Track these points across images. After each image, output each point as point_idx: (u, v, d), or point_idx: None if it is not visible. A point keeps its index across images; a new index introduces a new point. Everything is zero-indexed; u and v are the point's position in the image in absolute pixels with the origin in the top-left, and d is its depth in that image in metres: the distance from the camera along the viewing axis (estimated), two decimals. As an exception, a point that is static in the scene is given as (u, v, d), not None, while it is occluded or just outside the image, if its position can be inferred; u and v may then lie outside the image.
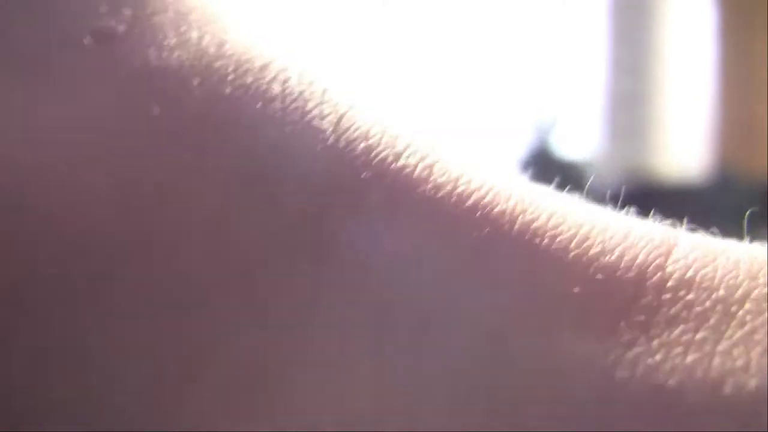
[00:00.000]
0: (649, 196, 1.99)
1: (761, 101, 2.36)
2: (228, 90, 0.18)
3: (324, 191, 0.17)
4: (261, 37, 0.19)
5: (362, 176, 0.17)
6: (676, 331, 0.16)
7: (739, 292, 0.16)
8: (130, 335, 0.17)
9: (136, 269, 0.17)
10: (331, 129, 0.18)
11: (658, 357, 0.16)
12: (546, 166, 1.97)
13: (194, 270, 0.17)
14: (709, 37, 2.49)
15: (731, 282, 0.17)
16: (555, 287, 0.17)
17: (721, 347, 0.16)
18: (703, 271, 0.17)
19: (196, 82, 0.18)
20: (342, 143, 0.18)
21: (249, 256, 0.17)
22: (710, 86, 2.51)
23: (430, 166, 0.18)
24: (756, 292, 0.16)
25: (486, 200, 0.17)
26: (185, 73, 0.18)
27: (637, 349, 0.16)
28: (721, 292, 0.17)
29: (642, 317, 0.16)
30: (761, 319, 0.16)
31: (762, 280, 0.17)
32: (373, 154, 0.18)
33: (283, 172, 0.17)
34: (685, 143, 2.53)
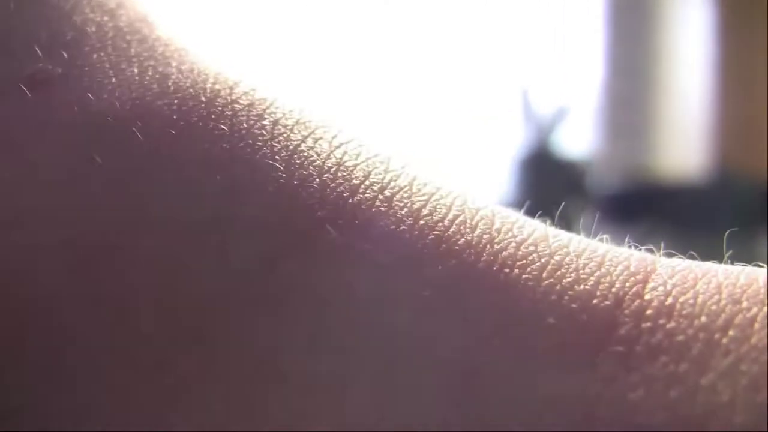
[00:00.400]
0: (649, 196, 1.99)
1: (761, 101, 2.36)
2: (172, 132, 0.17)
3: (277, 234, 0.16)
4: (206, 65, 0.18)
5: (317, 215, 0.17)
6: (658, 363, 0.15)
7: (722, 318, 0.16)
8: (89, 399, 0.16)
9: (91, 331, 0.16)
10: (283, 167, 0.17)
11: (640, 392, 0.15)
12: (545, 166, 1.97)
13: (148, 329, 0.16)
14: (709, 37, 2.49)
15: (713, 308, 0.16)
16: (528, 319, 0.16)
17: (704, 381, 0.15)
18: (683, 298, 0.16)
19: (138, 125, 0.17)
20: (295, 181, 0.17)
21: (203, 311, 0.16)
22: (710, 86, 2.51)
23: (390, 199, 0.17)
24: (739, 317, 0.16)
25: (450, 232, 0.17)
26: (127, 117, 0.17)
27: (617, 385, 0.15)
28: (703, 319, 0.16)
29: (621, 348, 0.16)
30: (746, 347, 0.15)
31: (745, 304, 0.16)
32: (328, 190, 0.17)
33: (232, 216, 0.16)
34: (685, 143, 2.53)
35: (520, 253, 0.17)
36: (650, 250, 0.18)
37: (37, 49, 0.17)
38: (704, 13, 2.50)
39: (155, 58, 0.18)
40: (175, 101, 0.17)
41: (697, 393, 0.15)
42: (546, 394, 0.15)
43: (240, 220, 0.17)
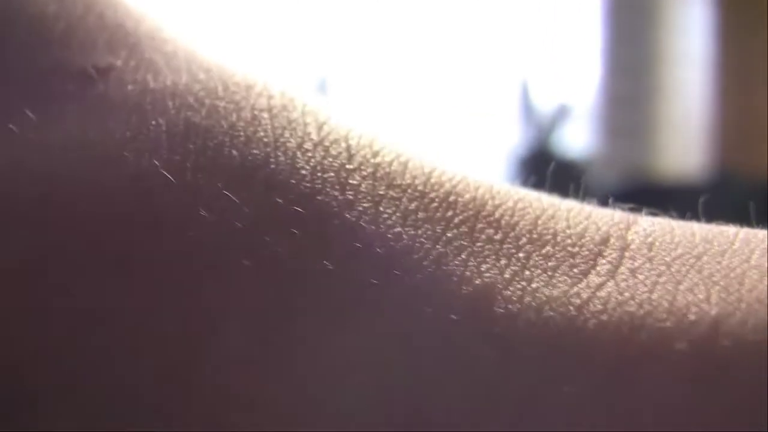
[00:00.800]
0: (649, 196, 1.99)
1: (761, 101, 2.36)
2: (221, 104, 0.21)
3: (314, 177, 0.20)
4: (237, 65, 0.22)
5: (347, 166, 0.20)
6: (641, 276, 0.18)
7: (697, 250, 0.19)
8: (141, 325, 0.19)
9: (145, 247, 0.19)
10: (315, 132, 0.21)
11: (626, 294, 0.18)
12: (545, 166, 1.97)
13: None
14: (709, 37, 2.49)
15: (688, 245, 0.19)
16: (526, 248, 0.19)
17: (683, 286, 0.18)
18: (661, 238, 0.19)
19: (192, 99, 0.21)
20: (326, 142, 0.21)
21: (254, 240, 0.20)
22: (710, 86, 2.51)
23: (405, 162, 0.21)
24: (713, 250, 0.19)
25: (457, 189, 0.20)
26: (183, 92, 0.21)
27: (606, 289, 0.18)
28: (679, 250, 0.19)
29: (607, 267, 0.19)
30: (719, 267, 0.18)
31: (716, 243, 0.19)
32: (353, 150, 0.21)
33: (277, 166, 0.20)
34: (685, 143, 2.53)
35: (518, 206, 0.20)
36: None
37: (100, 46, 0.22)
38: (705, 13, 2.50)
39: (197, 60, 0.22)
40: (220, 85, 0.22)
41: (677, 294, 0.18)
42: (545, 296, 0.18)
43: (282, 166, 0.20)
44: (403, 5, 2.44)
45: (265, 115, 0.21)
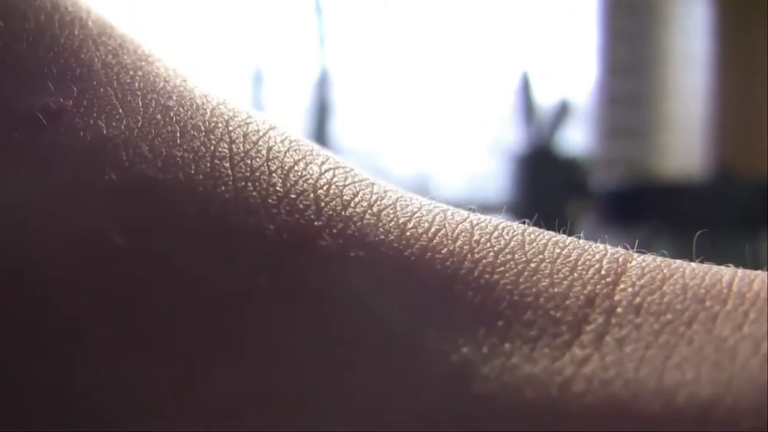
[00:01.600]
0: (649, 196, 1.99)
1: (761, 101, 2.36)
2: (178, 153, 0.19)
3: (279, 239, 0.19)
4: (204, 100, 0.21)
5: (314, 224, 0.19)
6: (627, 349, 0.17)
7: (686, 315, 0.17)
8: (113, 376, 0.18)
9: (105, 315, 0.18)
10: (280, 182, 0.19)
11: (611, 372, 0.17)
12: (546, 165, 1.97)
13: (164, 318, 0.18)
14: (710, 37, 2.49)
15: (678, 307, 0.18)
16: (506, 315, 0.18)
17: (671, 362, 0.17)
18: (650, 298, 0.18)
19: (146, 147, 0.19)
20: (293, 195, 0.19)
21: (215, 303, 0.18)
22: (710, 86, 2.51)
23: (377, 214, 0.19)
24: (703, 314, 0.17)
25: (434, 243, 0.19)
26: (137, 138, 0.19)
27: (591, 366, 0.17)
28: (669, 315, 0.17)
29: (592, 336, 0.17)
30: (709, 337, 0.17)
31: (708, 303, 0.18)
32: (322, 203, 0.19)
33: (239, 225, 0.19)
34: (685, 143, 2.53)
35: (498, 261, 0.19)
36: (641, 252, 0.19)
37: (49, 83, 0.20)
38: (705, 12, 2.50)
39: (157, 92, 0.20)
40: (178, 129, 0.20)
41: (665, 372, 0.17)
42: (525, 374, 0.17)
43: (245, 228, 0.19)
44: (403, 5, 2.44)
45: (226, 164, 0.19)
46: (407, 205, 0.20)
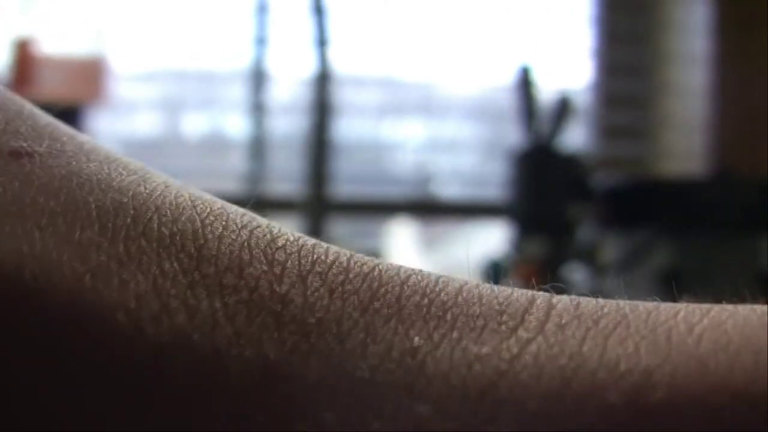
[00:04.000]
0: (648, 196, 1.99)
1: (761, 101, 2.36)
2: (145, 191, 0.22)
3: (245, 253, 0.21)
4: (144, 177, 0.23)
5: (272, 244, 0.22)
6: (569, 332, 0.19)
7: (623, 310, 0.20)
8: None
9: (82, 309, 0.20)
10: (238, 217, 0.22)
11: (556, 348, 0.19)
12: (546, 165, 1.97)
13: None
14: (710, 36, 2.49)
15: (614, 306, 0.20)
16: (453, 312, 0.20)
17: (611, 340, 0.19)
18: (587, 301, 0.20)
19: (116, 184, 0.22)
20: (250, 227, 0.22)
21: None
22: (710, 86, 2.51)
23: (326, 247, 0.22)
24: (639, 310, 0.20)
25: (381, 266, 0.22)
26: (106, 177, 0.22)
27: (536, 344, 0.19)
28: (605, 310, 0.20)
29: (535, 324, 0.20)
30: (646, 323, 0.19)
31: (641, 306, 0.20)
32: (276, 234, 0.22)
33: (207, 238, 0.21)
34: (685, 143, 2.53)
35: (441, 280, 0.22)
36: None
37: (21, 131, 0.23)
38: (705, 12, 2.50)
39: (115, 159, 0.23)
40: (141, 180, 0.23)
41: (607, 347, 0.19)
42: (474, 353, 0.19)
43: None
44: (403, 5, 2.44)
45: (189, 202, 0.22)
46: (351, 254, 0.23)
